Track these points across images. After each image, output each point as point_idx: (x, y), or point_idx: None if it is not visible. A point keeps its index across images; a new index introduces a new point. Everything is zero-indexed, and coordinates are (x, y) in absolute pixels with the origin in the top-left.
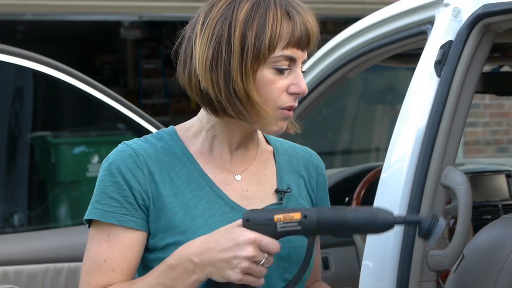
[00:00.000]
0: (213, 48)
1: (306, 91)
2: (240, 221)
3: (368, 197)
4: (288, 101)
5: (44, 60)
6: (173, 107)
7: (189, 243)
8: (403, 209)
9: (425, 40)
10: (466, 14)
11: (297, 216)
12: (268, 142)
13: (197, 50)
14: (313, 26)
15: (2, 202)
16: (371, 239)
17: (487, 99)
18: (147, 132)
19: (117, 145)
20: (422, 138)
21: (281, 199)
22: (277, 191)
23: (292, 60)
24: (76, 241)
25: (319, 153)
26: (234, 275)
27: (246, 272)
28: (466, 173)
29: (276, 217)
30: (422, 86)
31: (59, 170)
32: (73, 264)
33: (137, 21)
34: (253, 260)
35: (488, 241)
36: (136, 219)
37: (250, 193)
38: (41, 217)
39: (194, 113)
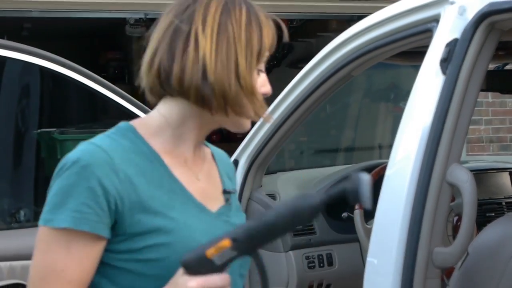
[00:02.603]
0: (222, 46)
1: (271, 93)
2: (181, 270)
3: (372, 195)
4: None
5: (50, 56)
6: None
7: None
8: (408, 206)
9: (430, 38)
10: (471, 12)
11: (226, 243)
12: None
13: (204, 46)
14: None
15: (9, 198)
16: (376, 236)
17: (490, 97)
18: None
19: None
20: (428, 136)
21: (227, 200)
22: (224, 192)
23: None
24: None
25: (323, 150)
26: None
27: None
28: (470, 171)
29: (208, 252)
30: (428, 83)
31: None
32: None
33: (143, 18)
34: None
35: (493, 238)
36: (106, 226)
37: (209, 193)
38: None
39: None
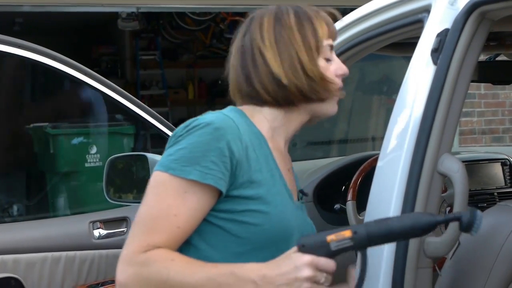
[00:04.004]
0: (283, 52)
1: (348, 72)
2: (295, 247)
3: (365, 186)
4: (339, 82)
5: (43, 50)
6: (170, 98)
7: (252, 264)
8: (400, 197)
9: (421, 28)
10: (462, 2)
11: (348, 233)
12: None
13: (269, 58)
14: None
15: (1, 192)
16: None
17: (483, 89)
18: (146, 122)
19: (115, 136)
20: (419, 126)
21: (300, 198)
22: (300, 191)
23: (331, 48)
24: (74, 230)
25: (316, 143)
26: None
27: None
28: (462, 162)
29: (329, 238)
30: (419, 74)
31: (58, 161)
32: (71, 253)
33: (135, 12)
34: (313, 280)
35: (484, 228)
36: (226, 184)
37: (293, 187)
38: (39, 206)
39: (191, 103)
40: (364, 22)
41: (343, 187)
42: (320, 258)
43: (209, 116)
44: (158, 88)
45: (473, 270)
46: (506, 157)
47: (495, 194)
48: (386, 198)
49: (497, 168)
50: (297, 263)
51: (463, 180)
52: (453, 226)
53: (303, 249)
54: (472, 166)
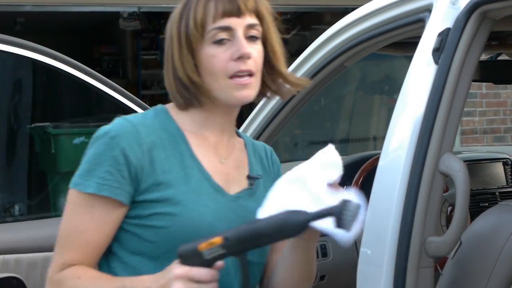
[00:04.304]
0: (165, 54)
1: (247, 51)
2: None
3: (366, 185)
4: (235, 67)
5: (43, 50)
6: None
7: (144, 276)
8: (401, 196)
9: (423, 27)
10: (464, 1)
11: (218, 240)
12: (238, 135)
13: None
14: None
15: (3, 192)
16: (369, 226)
17: (484, 88)
18: None
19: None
20: (420, 125)
21: (251, 184)
22: (248, 177)
23: (228, 29)
24: None
25: (317, 142)
26: None
27: None
28: (464, 161)
29: (200, 246)
30: (420, 73)
31: (59, 161)
32: None
33: (136, 12)
34: None
35: (486, 227)
36: (126, 193)
37: (231, 177)
38: (41, 206)
39: None
40: (365, 21)
41: (344, 186)
42: (193, 268)
43: (110, 124)
44: (159, 88)
45: (474, 269)
46: (508, 156)
47: (497, 193)
48: (388, 197)
49: (499, 168)
50: (169, 276)
51: (464, 180)
52: (455, 225)
53: (181, 259)
54: (473, 165)
